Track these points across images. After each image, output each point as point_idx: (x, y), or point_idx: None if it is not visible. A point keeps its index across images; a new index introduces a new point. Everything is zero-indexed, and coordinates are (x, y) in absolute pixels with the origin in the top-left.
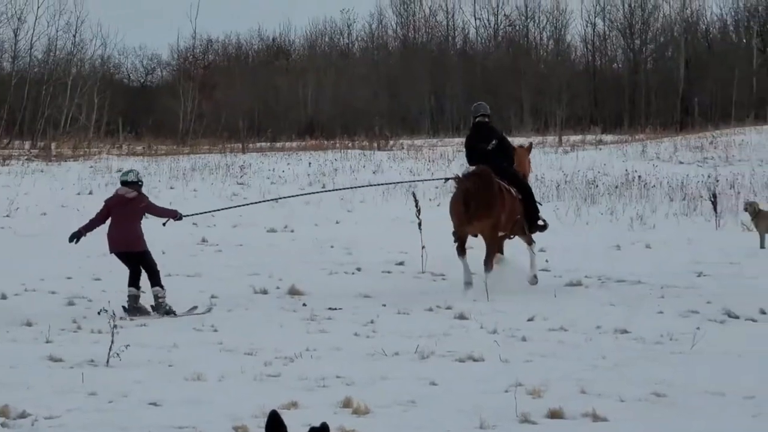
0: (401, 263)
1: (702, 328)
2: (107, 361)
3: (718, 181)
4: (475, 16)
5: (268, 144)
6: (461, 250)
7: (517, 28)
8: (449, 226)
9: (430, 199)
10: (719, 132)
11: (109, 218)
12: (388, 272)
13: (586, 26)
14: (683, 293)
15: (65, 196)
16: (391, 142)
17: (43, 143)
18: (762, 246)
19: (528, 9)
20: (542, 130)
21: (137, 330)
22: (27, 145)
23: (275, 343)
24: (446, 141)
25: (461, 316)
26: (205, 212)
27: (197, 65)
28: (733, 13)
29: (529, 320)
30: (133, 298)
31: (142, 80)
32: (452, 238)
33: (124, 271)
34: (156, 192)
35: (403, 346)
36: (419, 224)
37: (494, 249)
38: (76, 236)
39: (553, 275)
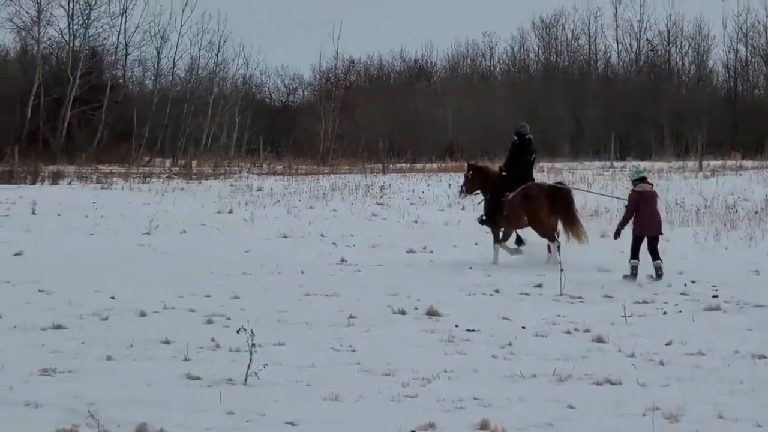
0: (539, 285)
1: None
2: (245, 380)
3: None
4: (617, 40)
5: (408, 165)
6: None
7: (659, 53)
8: (588, 250)
9: None
10: None
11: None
12: (527, 294)
13: (728, 52)
14: None
15: (205, 215)
16: None
17: (184, 161)
18: None
19: (670, 34)
20: (682, 155)
21: (275, 349)
22: (168, 163)
23: (413, 363)
24: (586, 164)
25: (599, 339)
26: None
27: (338, 86)
28: None
29: (667, 344)
30: (636, 268)
31: (284, 100)
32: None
33: (260, 291)
34: (296, 211)
35: (541, 369)
36: (558, 247)
37: None
38: (617, 234)
39: (692, 299)
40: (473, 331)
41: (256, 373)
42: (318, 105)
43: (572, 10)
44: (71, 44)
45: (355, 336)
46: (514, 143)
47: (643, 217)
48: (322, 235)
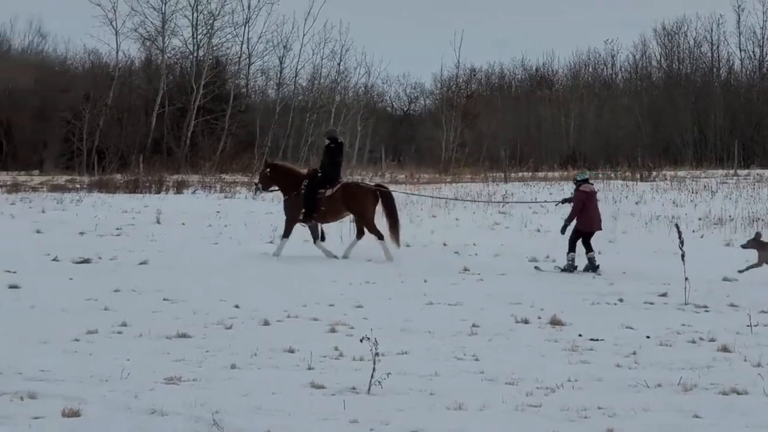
0: (664, 294)
1: None
2: (369, 389)
3: None
4: (740, 47)
5: (530, 173)
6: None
7: None
8: (713, 259)
9: (693, 231)
10: None
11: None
12: (651, 303)
13: None
14: None
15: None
16: (654, 173)
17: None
18: None
19: None
20: None
21: (398, 358)
22: None
23: (536, 373)
24: (709, 173)
25: (725, 349)
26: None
27: (460, 94)
28: None
29: None
30: (574, 260)
31: (405, 109)
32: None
33: (383, 300)
34: (418, 221)
35: (666, 378)
36: (682, 255)
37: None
38: (563, 229)
39: None
40: (597, 340)
41: (379, 382)
42: (439, 114)
43: (694, 17)
44: (195, 54)
45: (478, 345)
46: (328, 146)
47: (588, 214)
48: (444, 244)
